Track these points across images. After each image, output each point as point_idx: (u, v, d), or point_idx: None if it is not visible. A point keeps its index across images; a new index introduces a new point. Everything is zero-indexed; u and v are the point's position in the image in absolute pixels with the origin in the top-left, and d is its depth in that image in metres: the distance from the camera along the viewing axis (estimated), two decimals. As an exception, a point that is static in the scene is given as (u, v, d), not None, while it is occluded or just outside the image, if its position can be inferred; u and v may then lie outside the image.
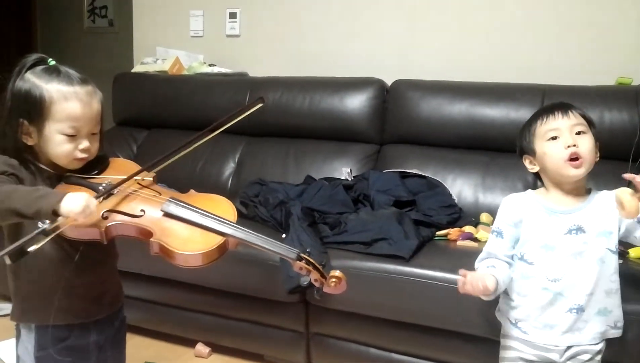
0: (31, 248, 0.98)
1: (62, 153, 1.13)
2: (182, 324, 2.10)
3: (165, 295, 2.07)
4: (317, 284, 1.14)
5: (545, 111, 1.35)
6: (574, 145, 1.27)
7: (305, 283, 1.16)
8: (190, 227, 1.13)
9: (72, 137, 1.12)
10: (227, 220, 1.15)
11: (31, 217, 1.00)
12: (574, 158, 1.27)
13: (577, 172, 1.29)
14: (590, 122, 1.34)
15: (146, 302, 2.10)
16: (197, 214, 1.14)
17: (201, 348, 2.07)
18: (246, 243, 1.14)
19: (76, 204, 0.98)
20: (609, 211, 1.30)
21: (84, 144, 1.14)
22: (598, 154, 1.33)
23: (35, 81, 1.11)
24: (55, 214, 0.98)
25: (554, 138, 1.30)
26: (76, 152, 1.14)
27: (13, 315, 1.20)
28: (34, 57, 1.14)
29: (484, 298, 1.33)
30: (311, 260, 1.14)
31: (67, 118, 1.11)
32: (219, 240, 1.12)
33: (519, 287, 1.35)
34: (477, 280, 1.28)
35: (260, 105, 1.35)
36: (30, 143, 1.13)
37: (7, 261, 0.96)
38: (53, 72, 1.13)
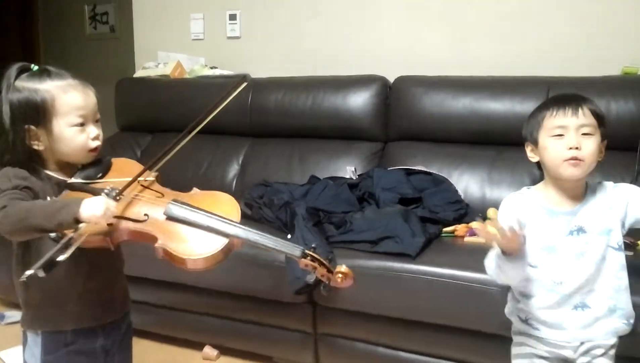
0: (61, 258, 0.99)
1: (77, 146, 1.15)
2: (189, 327, 2.09)
3: (172, 299, 2.07)
4: (324, 279, 1.13)
5: (558, 103, 1.31)
6: (577, 148, 1.25)
7: (312, 280, 1.14)
8: (194, 229, 1.12)
9: (82, 127, 1.15)
10: (230, 220, 1.14)
11: (54, 230, 1.02)
12: (573, 160, 1.26)
13: (574, 173, 1.26)
14: (601, 120, 1.30)
15: (153, 306, 2.10)
16: (200, 215, 1.13)
17: (209, 350, 2.07)
18: (250, 242, 1.12)
19: (97, 208, 1.00)
20: (608, 208, 1.29)
21: (94, 131, 1.17)
22: (603, 154, 1.30)
23: (29, 86, 1.13)
24: (77, 222, 1.00)
25: (559, 135, 1.28)
26: (89, 142, 1.16)
27: (23, 322, 1.21)
28: (16, 66, 1.15)
29: (503, 257, 1.22)
30: (316, 256, 1.12)
31: (72, 109, 1.14)
32: (224, 241, 1.11)
33: (523, 289, 1.33)
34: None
35: (244, 84, 1.33)
36: (40, 147, 1.15)
37: (41, 274, 0.98)
38: (43, 74, 1.15)
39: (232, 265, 1.86)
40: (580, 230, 1.28)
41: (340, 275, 1.12)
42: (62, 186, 1.16)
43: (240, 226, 1.13)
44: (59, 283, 1.16)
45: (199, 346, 2.09)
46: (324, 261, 1.13)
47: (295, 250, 1.12)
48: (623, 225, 1.30)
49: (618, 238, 1.29)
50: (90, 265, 1.17)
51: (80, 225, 1.00)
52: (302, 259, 1.12)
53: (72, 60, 4.45)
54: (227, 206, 1.19)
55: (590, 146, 1.27)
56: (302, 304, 1.82)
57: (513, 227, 1.17)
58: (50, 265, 0.98)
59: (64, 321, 1.18)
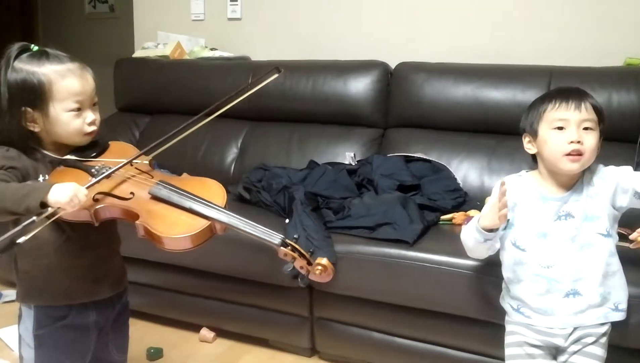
0: (21, 239, 0.99)
1: (72, 130, 1.16)
2: (186, 309, 2.11)
3: (169, 281, 2.08)
4: (302, 271, 1.13)
5: (560, 95, 1.31)
6: (578, 141, 1.25)
7: (288, 269, 1.14)
8: (177, 210, 1.13)
9: (78, 112, 1.15)
10: (213, 204, 1.14)
11: (23, 214, 1.02)
12: (574, 154, 1.26)
13: (573, 167, 1.27)
14: (601, 116, 1.31)
15: (150, 287, 2.11)
16: (183, 197, 1.14)
17: (206, 333, 2.08)
18: (230, 227, 1.13)
19: (63, 195, 1.00)
20: (594, 194, 1.30)
21: (90, 116, 1.17)
22: (599, 150, 1.30)
23: (27, 68, 1.13)
24: (43, 206, 1.00)
25: (560, 128, 1.28)
26: (85, 126, 1.17)
27: (18, 297, 1.23)
28: (16, 46, 1.16)
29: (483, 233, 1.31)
30: (297, 247, 1.12)
31: (69, 94, 1.14)
32: (204, 223, 1.11)
33: (514, 274, 1.35)
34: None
35: (276, 75, 1.31)
36: (36, 129, 1.16)
37: None
38: (42, 56, 1.15)
39: (229, 247, 1.87)
40: (569, 215, 1.30)
41: (319, 267, 1.11)
42: (55, 164, 1.18)
43: (223, 210, 1.14)
44: (49, 258, 1.18)
45: (195, 328, 2.10)
46: (304, 252, 1.12)
47: (274, 238, 1.12)
48: (614, 208, 1.30)
49: (606, 225, 1.30)
50: (80, 242, 1.18)
51: (49, 209, 1.01)
52: (282, 248, 1.11)
53: (70, 39, 4.41)
54: (213, 191, 1.20)
55: (590, 141, 1.27)
56: (299, 288, 1.82)
57: (506, 203, 1.24)
58: (10, 245, 0.99)
59: (56, 296, 1.19)
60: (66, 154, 1.19)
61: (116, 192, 1.13)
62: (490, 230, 1.30)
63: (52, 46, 1.19)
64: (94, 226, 1.12)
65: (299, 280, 1.15)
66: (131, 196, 1.13)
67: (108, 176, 1.14)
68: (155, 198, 1.14)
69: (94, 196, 1.09)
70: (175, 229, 1.10)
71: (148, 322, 2.15)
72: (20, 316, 1.24)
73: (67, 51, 1.19)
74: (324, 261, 1.12)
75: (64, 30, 4.65)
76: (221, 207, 1.15)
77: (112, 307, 1.29)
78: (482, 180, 2.15)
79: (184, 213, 1.12)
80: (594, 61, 2.17)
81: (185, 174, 1.28)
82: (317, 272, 1.12)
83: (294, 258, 1.12)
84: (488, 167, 2.15)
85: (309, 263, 1.12)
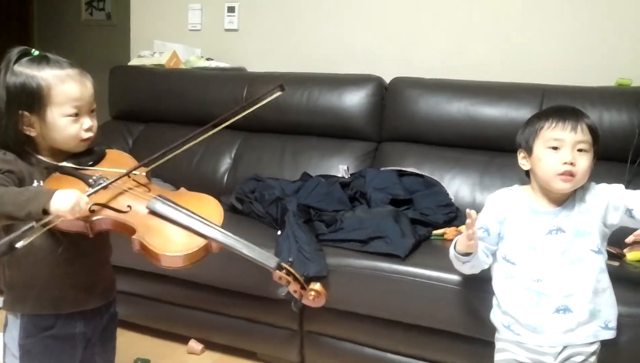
0: (19, 244, 0.98)
1: (69, 136, 1.16)
2: (175, 320, 2.08)
3: (158, 291, 2.06)
4: (295, 295, 1.13)
5: (557, 115, 1.32)
6: (571, 163, 1.27)
7: (283, 294, 1.14)
8: (174, 227, 1.12)
9: (76, 117, 1.15)
10: (211, 222, 1.13)
11: (23, 219, 1.01)
12: (566, 174, 1.27)
13: (565, 186, 1.29)
14: (596, 137, 1.32)
15: (139, 298, 2.09)
16: (182, 214, 1.13)
17: (194, 345, 2.06)
18: (227, 247, 1.12)
19: (66, 203, 1.00)
20: (586, 210, 1.31)
21: (87, 123, 1.17)
22: (592, 169, 1.32)
23: (27, 72, 1.13)
24: (45, 213, 1.00)
25: (554, 148, 1.29)
26: (82, 133, 1.16)
27: (5, 304, 1.21)
28: (17, 50, 1.16)
29: (463, 259, 1.37)
30: (292, 271, 1.12)
31: (67, 99, 1.14)
32: (200, 242, 1.10)
33: (504, 288, 1.36)
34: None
35: (279, 93, 1.31)
36: (32, 133, 1.15)
37: None
38: (42, 61, 1.15)
39: (220, 259, 1.84)
40: (560, 230, 1.31)
41: (313, 293, 1.11)
42: (51, 170, 1.16)
43: (221, 230, 1.13)
44: (39, 266, 1.16)
45: (184, 340, 2.08)
46: (299, 277, 1.12)
47: (270, 262, 1.12)
48: (605, 225, 1.32)
49: (597, 241, 1.31)
50: (71, 250, 1.17)
51: (49, 216, 1.00)
52: (277, 271, 1.11)
53: (66, 45, 4.40)
54: (211, 209, 1.19)
55: (584, 163, 1.28)
56: (289, 301, 1.81)
57: (474, 233, 1.28)
58: (9, 249, 0.98)
59: (44, 304, 1.18)
60: (62, 161, 1.18)
61: (113, 204, 1.12)
62: (467, 254, 1.34)
63: (50, 52, 1.18)
64: (86, 236, 1.11)
65: (292, 304, 1.15)
66: (128, 209, 1.12)
67: (105, 187, 1.13)
68: (153, 212, 1.13)
69: (90, 208, 1.08)
70: (171, 246, 1.09)
71: (136, 332, 2.12)
72: (5, 325, 1.22)
73: (63, 57, 1.19)
74: (317, 286, 1.12)
75: (60, 37, 4.65)
76: (218, 226, 1.14)
77: (99, 317, 1.27)
78: (474, 196, 2.15)
79: (181, 230, 1.11)
80: (586, 80, 2.20)
81: (182, 189, 1.27)
82: (311, 297, 1.12)
83: (288, 282, 1.12)
84: (480, 183, 2.16)
85: (303, 288, 1.12)
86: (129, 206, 1.12)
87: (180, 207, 1.14)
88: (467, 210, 1.29)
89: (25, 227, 0.99)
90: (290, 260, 1.15)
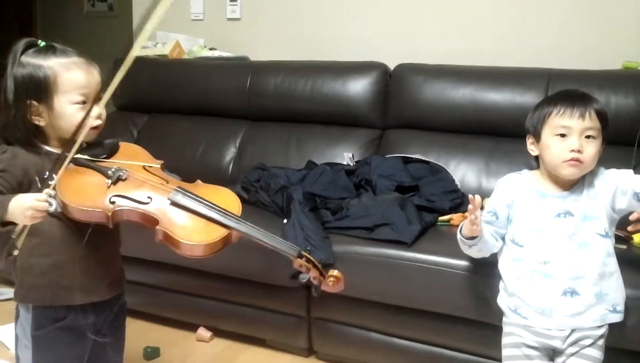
0: (15, 252, 1.05)
1: (77, 124, 1.15)
2: (183, 309, 2.10)
3: (167, 280, 2.07)
4: (315, 282, 1.18)
5: (565, 101, 1.31)
6: (579, 151, 1.27)
7: (304, 280, 1.19)
8: (195, 217, 1.15)
9: (83, 105, 1.16)
10: (231, 213, 1.17)
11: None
12: (574, 160, 1.27)
13: (572, 172, 1.29)
14: (605, 123, 1.31)
15: (148, 287, 2.10)
16: (203, 205, 1.16)
17: (203, 332, 2.08)
18: (249, 237, 1.16)
19: (20, 214, 1.02)
20: (595, 194, 1.31)
21: (96, 110, 1.17)
22: (600, 154, 1.32)
23: (34, 62, 1.14)
24: (5, 225, 1.04)
25: (562, 135, 1.29)
26: (90, 120, 1.16)
27: (16, 296, 1.22)
28: (23, 42, 1.17)
29: (469, 242, 1.39)
30: (311, 258, 1.17)
31: (74, 87, 1.15)
32: (223, 232, 1.14)
33: (511, 270, 1.36)
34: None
35: None
36: (42, 123, 1.16)
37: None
38: (49, 51, 1.16)
39: (228, 248, 1.86)
40: (568, 213, 1.31)
41: (332, 279, 1.18)
42: (62, 161, 1.15)
43: (242, 220, 1.17)
44: (51, 258, 1.17)
45: (193, 327, 2.10)
46: (318, 264, 1.17)
47: (292, 250, 1.17)
48: (614, 210, 1.32)
49: (604, 225, 1.31)
50: (87, 245, 1.18)
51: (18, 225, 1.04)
52: (298, 259, 1.16)
53: (69, 37, 4.39)
54: (228, 200, 1.23)
55: (591, 150, 1.28)
56: (297, 288, 1.83)
57: (477, 217, 1.29)
58: (8, 253, 1.03)
59: (56, 296, 1.19)
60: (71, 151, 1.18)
61: (133, 196, 1.14)
62: (472, 238, 1.35)
63: (53, 42, 1.19)
64: (99, 227, 1.12)
65: (313, 290, 1.22)
66: (149, 200, 1.14)
67: (123, 177, 1.15)
68: (175, 204, 1.15)
69: (110, 198, 1.10)
70: (195, 236, 1.12)
71: (145, 321, 2.14)
72: (17, 317, 1.23)
73: (74, 49, 1.20)
74: (335, 272, 1.18)
75: (62, 29, 4.65)
76: (237, 216, 1.17)
77: (109, 309, 1.28)
78: (480, 182, 2.15)
79: (202, 220, 1.14)
80: (593, 64, 2.18)
81: (198, 181, 1.29)
82: (330, 283, 1.18)
83: (308, 269, 1.16)
84: (486, 169, 2.16)
85: (322, 275, 1.18)
86: (149, 197, 1.14)
87: (200, 198, 1.17)
88: (470, 195, 1.30)
89: (17, 232, 1.03)
90: (308, 248, 1.20)
